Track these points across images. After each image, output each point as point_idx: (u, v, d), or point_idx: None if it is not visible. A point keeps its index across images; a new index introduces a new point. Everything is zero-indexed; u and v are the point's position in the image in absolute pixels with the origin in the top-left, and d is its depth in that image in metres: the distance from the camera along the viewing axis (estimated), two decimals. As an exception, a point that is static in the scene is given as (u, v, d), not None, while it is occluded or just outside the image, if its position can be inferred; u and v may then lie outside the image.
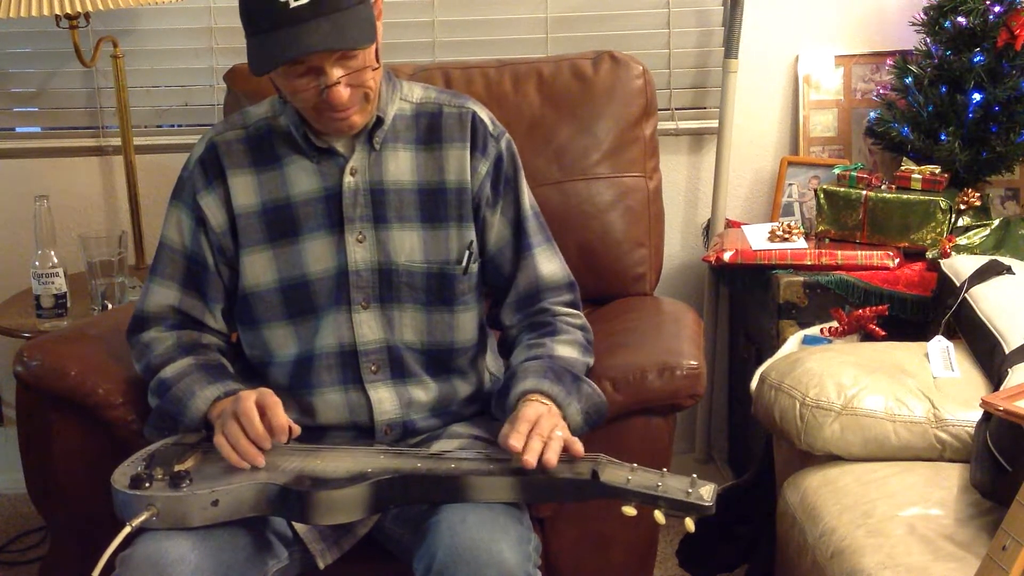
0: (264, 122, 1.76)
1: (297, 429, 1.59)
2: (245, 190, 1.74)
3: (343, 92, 1.59)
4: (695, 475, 1.47)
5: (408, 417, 1.75)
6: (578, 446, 1.54)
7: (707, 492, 1.45)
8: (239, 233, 1.74)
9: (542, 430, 1.54)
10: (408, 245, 1.73)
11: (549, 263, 1.81)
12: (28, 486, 1.98)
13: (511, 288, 1.80)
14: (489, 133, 1.77)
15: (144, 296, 1.80)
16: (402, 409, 1.75)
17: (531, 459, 1.50)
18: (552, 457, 1.51)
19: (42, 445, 1.88)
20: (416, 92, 1.79)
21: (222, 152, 1.75)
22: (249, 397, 1.57)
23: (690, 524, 1.44)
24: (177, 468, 1.56)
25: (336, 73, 1.58)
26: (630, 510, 1.47)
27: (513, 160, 1.80)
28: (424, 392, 1.76)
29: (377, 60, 1.63)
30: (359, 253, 1.72)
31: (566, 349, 1.74)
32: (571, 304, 1.83)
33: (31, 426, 1.92)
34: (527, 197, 1.81)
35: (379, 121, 1.72)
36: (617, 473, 1.49)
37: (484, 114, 1.79)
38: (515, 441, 1.52)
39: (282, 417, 1.56)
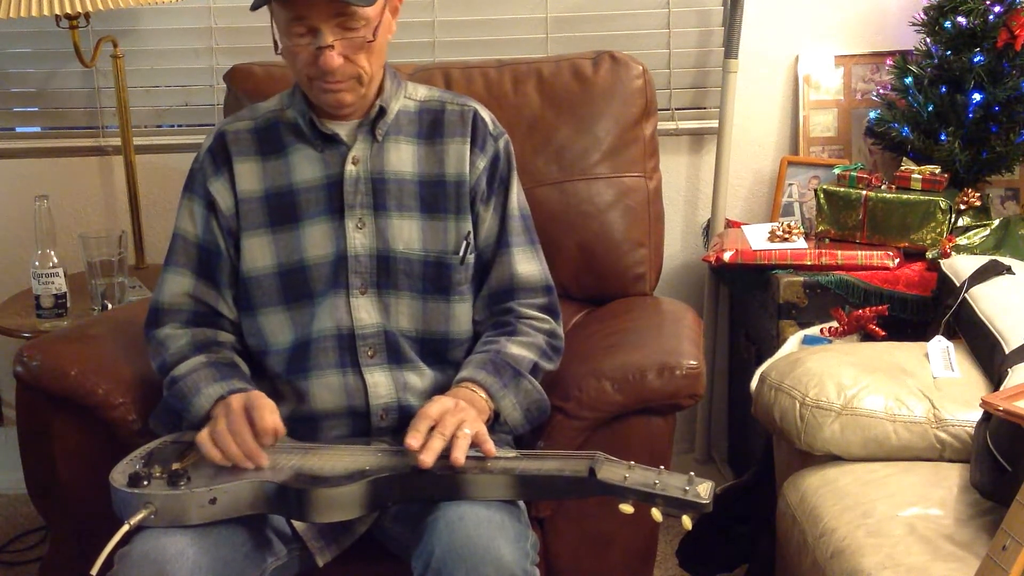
0: (272, 114, 1.82)
1: (282, 431, 1.60)
2: (249, 176, 1.78)
3: (335, 58, 1.64)
4: (692, 473, 1.47)
5: (404, 401, 1.74)
6: (489, 445, 1.54)
7: (704, 490, 1.44)
8: (241, 217, 1.77)
9: (445, 428, 1.53)
10: (407, 233, 1.76)
11: (527, 263, 1.82)
12: (28, 486, 1.98)
13: (485, 284, 1.81)
14: (489, 132, 1.82)
15: (159, 287, 1.82)
16: (397, 392, 1.75)
17: (427, 459, 1.50)
18: (460, 456, 1.51)
19: (42, 445, 1.88)
20: (420, 91, 1.84)
21: (230, 141, 1.80)
22: (237, 400, 1.59)
23: (687, 522, 1.43)
24: (175, 466, 1.56)
25: (331, 36, 1.63)
26: (627, 508, 1.46)
27: (509, 161, 1.83)
28: (419, 379, 1.77)
29: (374, 35, 1.66)
30: (358, 239, 1.75)
31: (518, 348, 1.74)
32: (544, 308, 1.82)
33: (31, 426, 1.93)
34: (516, 198, 1.83)
35: (382, 113, 1.76)
36: (614, 471, 1.48)
37: (485, 114, 1.84)
38: (411, 439, 1.52)
39: (266, 420, 1.57)
